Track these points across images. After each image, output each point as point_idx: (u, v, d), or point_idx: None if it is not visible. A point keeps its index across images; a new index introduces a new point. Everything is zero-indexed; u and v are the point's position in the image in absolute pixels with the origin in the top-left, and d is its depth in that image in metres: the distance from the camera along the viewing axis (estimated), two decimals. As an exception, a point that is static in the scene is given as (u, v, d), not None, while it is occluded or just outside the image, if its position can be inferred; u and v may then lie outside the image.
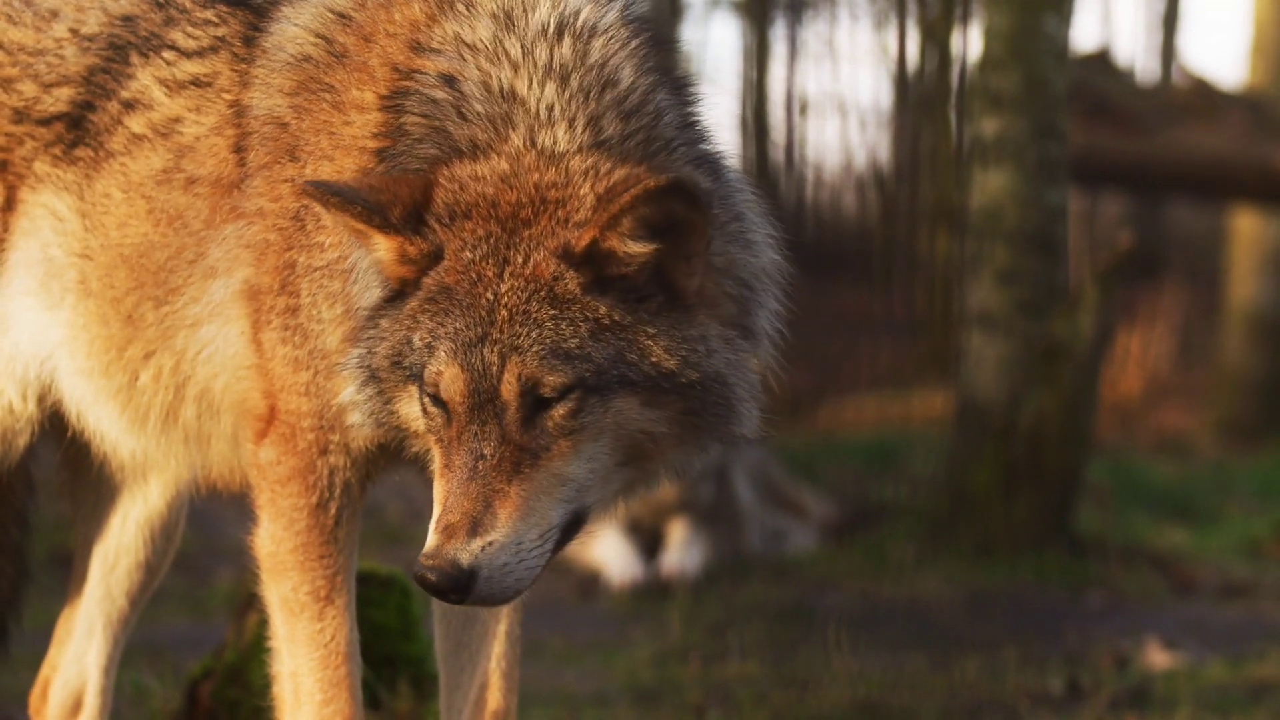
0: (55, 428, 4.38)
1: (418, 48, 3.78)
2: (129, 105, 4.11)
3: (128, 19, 4.17)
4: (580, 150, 3.61)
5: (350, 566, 3.96)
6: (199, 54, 4.08)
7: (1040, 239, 8.36)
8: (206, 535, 8.34)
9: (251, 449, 3.96)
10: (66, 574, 4.70)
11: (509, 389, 3.50)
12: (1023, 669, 6.51)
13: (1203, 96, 11.88)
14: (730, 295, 3.66)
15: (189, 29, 4.11)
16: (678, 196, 3.48)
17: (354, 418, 3.74)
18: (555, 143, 3.62)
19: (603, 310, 3.52)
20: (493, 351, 3.51)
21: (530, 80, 3.68)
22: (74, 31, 4.20)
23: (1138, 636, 7.09)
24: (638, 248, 3.52)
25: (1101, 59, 12.18)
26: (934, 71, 14.79)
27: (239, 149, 3.96)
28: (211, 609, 7.60)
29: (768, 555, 9.10)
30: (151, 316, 4.04)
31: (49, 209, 4.17)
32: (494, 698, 4.09)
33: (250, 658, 5.16)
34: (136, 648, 5.68)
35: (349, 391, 3.72)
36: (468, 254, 3.56)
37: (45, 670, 4.68)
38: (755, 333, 3.72)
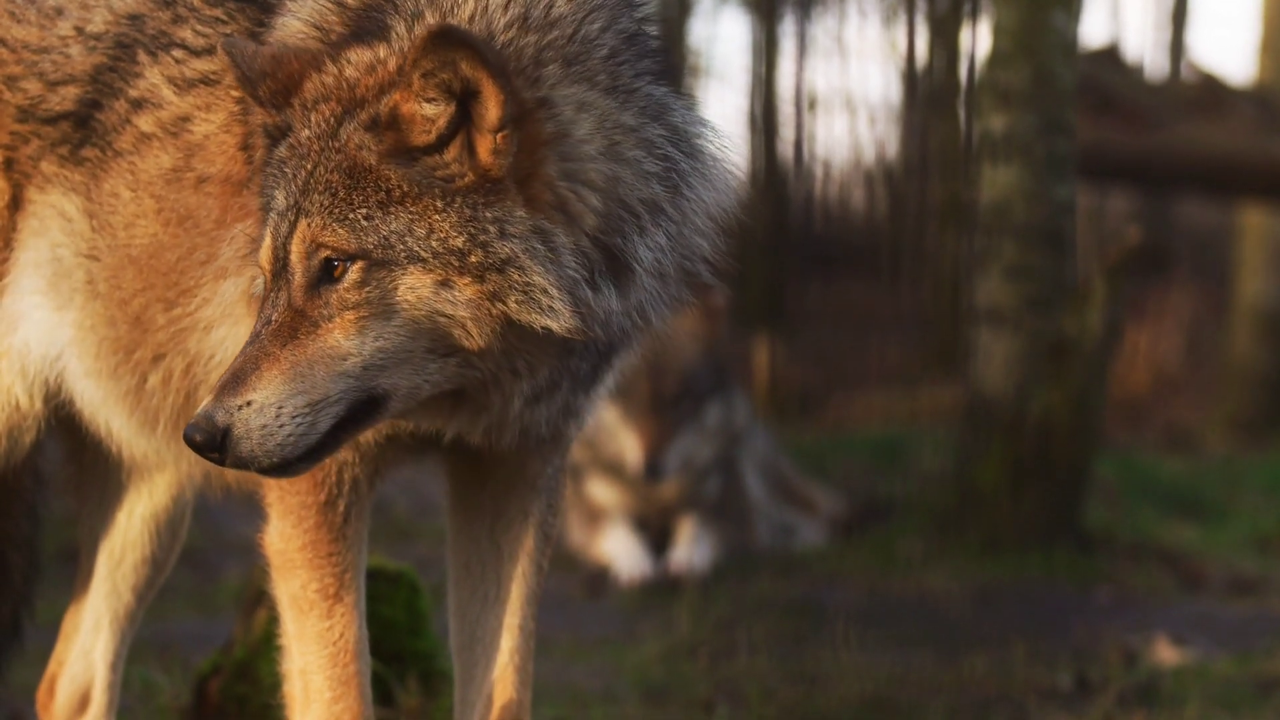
0: (62, 424, 4.38)
1: None
2: (137, 104, 4.11)
3: (134, 17, 4.17)
4: None
5: (359, 564, 3.96)
6: (208, 51, 4.08)
7: (1048, 234, 8.35)
8: (214, 531, 8.34)
9: (260, 446, 3.95)
10: (74, 569, 4.70)
11: (295, 253, 3.54)
12: (1031, 664, 6.50)
13: (1211, 92, 11.85)
14: (595, 210, 3.60)
15: (198, 26, 4.11)
16: (456, 47, 3.47)
17: None
18: None
19: (394, 180, 3.53)
20: (292, 217, 3.56)
21: None
22: (79, 30, 4.19)
23: (1146, 632, 7.07)
24: (432, 109, 3.52)
25: (1110, 54, 12.15)
26: (942, 67, 14.76)
27: (246, 146, 3.96)
28: (220, 605, 7.58)
29: (776, 551, 9.09)
30: (161, 319, 4.04)
31: (57, 209, 4.17)
32: (507, 691, 4.07)
33: (259, 654, 5.16)
34: (145, 643, 5.68)
35: None
36: (306, 132, 3.61)
37: (52, 666, 4.68)
38: (628, 256, 3.65)
